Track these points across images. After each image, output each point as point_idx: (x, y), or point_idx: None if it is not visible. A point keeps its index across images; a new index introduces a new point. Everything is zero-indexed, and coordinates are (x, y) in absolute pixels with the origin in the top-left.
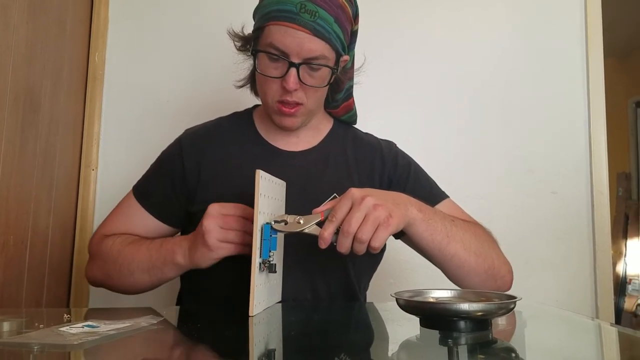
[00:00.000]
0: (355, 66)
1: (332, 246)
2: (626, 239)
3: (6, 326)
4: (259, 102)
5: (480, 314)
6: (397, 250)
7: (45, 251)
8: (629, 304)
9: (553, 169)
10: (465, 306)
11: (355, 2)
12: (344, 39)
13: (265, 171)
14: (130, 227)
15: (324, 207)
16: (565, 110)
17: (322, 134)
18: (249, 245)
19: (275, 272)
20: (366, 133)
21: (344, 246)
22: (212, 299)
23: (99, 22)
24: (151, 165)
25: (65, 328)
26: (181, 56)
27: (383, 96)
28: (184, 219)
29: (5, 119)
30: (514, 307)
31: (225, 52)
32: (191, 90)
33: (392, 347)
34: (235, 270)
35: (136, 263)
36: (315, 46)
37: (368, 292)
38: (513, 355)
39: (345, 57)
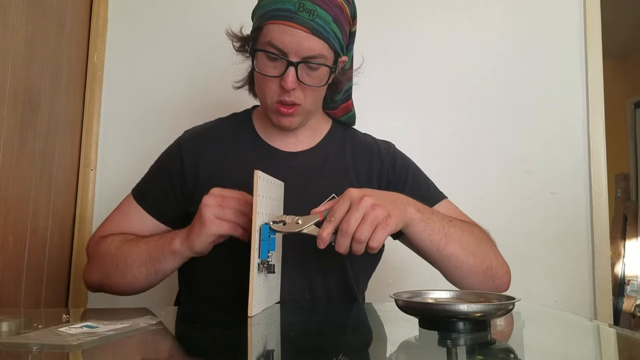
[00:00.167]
0: (354, 67)
1: (331, 246)
2: (625, 239)
3: (5, 326)
4: (257, 102)
5: (479, 315)
6: (395, 251)
7: (44, 251)
8: (627, 304)
9: (551, 170)
10: (464, 307)
11: (354, 3)
12: (342, 39)
13: (264, 172)
14: (129, 227)
15: (322, 207)
16: (563, 111)
17: (321, 135)
18: (245, 229)
19: (273, 272)
20: (365, 134)
21: (342, 246)
22: (210, 300)
23: (98, 23)
24: (150, 168)
25: (64, 328)
26: (180, 56)
27: (381, 97)
28: (183, 220)
29: (4, 119)
30: (512, 308)
31: (224, 52)
32: (190, 90)
33: (391, 348)
34: (233, 271)
35: (134, 256)
36: (314, 45)
37: (366, 293)
38: (512, 356)
39: (344, 58)
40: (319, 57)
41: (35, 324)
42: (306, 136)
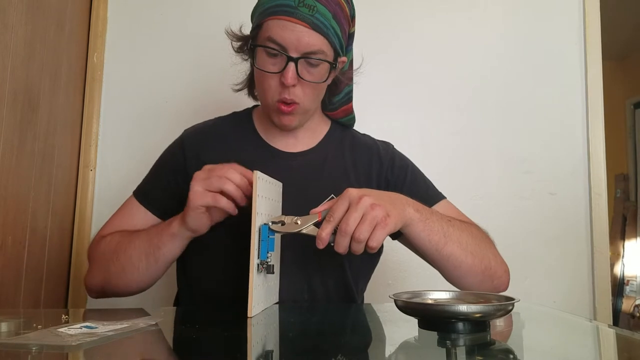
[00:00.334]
0: (353, 67)
1: (330, 246)
2: (624, 240)
3: (4, 327)
4: (257, 103)
5: (478, 315)
6: (395, 251)
7: (44, 251)
8: (626, 305)
9: (551, 170)
10: (463, 308)
11: (353, 4)
12: (342, 37)
13: (264, 172)
14: (131, 227)
15: (321, 207)
16: (563, 111)
17: (320, 136)
18: (233, 201)
19: (273, 273)
20: (364, 134)
21: (341, 246)
22: (209, 300)
23: (97, 23)
24: (151, 168)
25: (63, 329)
26: (180, 56)
27: (381, 97)
28: None
29: (4, 119)
30: (512, 309)
31: (224, 53)
32: (190, 91)
33: (390, 349)
34: (232, 271)
35: (134, 246)
36: (314, 40)
37: (365, 293)
38: (511, 356)
39: (343, 59)
40: (318, 53)
41: (34, 325)
42: (305, 137)
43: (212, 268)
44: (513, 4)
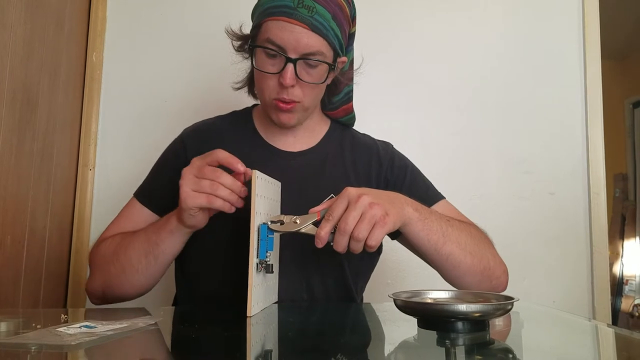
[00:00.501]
0: (354, 67)
1: (329, 245)
2: (623, 239)
3: (3, 326)
4: (257, 102)
5: (477, 315)
6: (394, 251)
7: (43, 251)
8: (625, 304)
9: (550, 170)
10: (462, 307)
11: (354, 5)
12: (342, 38)
13: (263, 171)
14: (133, 228)
15: (320, 207)
16: (562, 111)
17: (320, 135)
18: (226, 199)
19: (272, 272)
20: (363, 134)
21: (340, 245)
22: (208, 300)
23: (96, 22)
24: (152, 168)
25: (62, 328)
26: (179, 55)
27: (381, 97)
28: None
29: (2, 118)
30: (511, 308)
31: (224, 52)
32: (189, 90)
33: (389, 348)
34: (231, 271)
35: (133, 245)
36: (313, 41)
37: (365, 293)
38: (510, 356)
39: (343, 59)
40: (317, 54)
41: (33, 324)
42: (305, 136)
43: (211, 268)
44: (513, 3)
